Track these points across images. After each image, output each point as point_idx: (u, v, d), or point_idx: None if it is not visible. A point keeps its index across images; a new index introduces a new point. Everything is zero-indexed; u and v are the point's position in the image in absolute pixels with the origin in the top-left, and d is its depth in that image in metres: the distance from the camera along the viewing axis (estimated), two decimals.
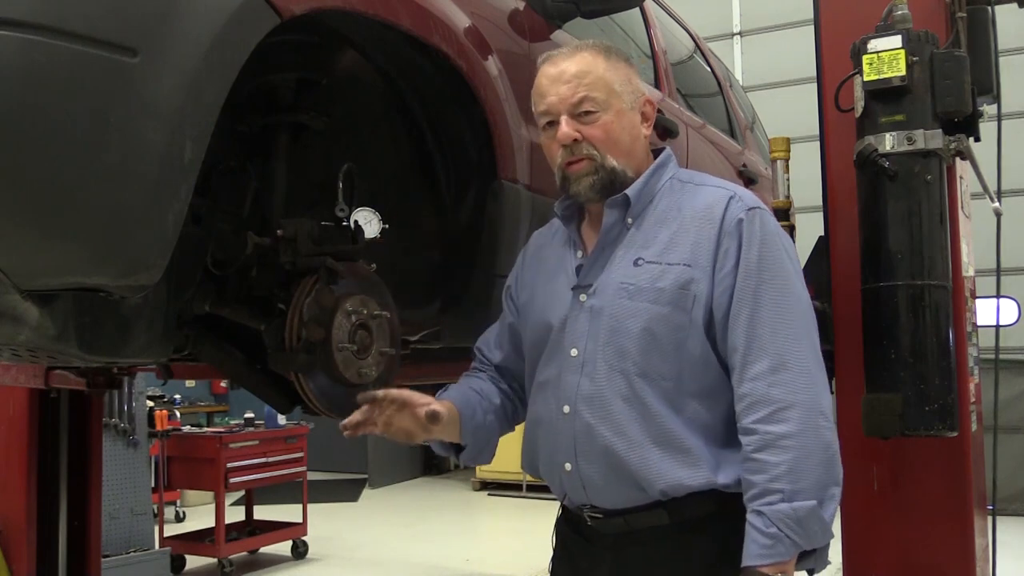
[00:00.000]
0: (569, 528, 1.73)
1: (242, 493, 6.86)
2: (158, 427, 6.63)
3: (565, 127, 1.60)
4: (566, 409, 1.60)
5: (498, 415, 1.78)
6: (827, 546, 1.53)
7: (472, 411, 1.72)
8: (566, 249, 1.73)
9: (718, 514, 1.55)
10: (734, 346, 1.53)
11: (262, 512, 6.83)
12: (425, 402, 1.59)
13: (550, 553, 1.78)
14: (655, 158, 1.71)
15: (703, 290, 1.55)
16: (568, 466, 1.61)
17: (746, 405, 1.50)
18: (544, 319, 1.69)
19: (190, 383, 10.11)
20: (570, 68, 1.62)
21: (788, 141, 3.24)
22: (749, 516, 1.47)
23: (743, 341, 1.52)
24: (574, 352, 1.61)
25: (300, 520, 6.66)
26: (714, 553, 1.55)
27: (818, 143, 2.83)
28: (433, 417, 1.58)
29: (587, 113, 1.60)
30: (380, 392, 1.56)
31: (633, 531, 1.59)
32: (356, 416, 1.56)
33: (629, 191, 1.62)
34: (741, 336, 1.52)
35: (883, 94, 2.46)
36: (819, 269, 2.87)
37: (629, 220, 1.63)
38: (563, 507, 1.73)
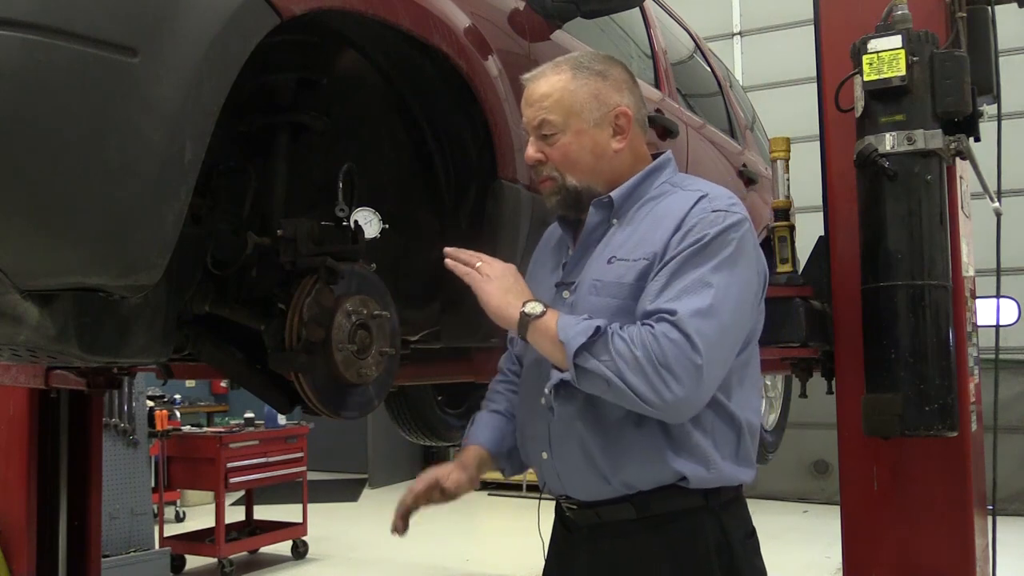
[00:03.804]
0: (557, 519, 1.79)
1: (242, 493, 6.86)
2: (158, 427, 6.62)
3: (529, 149, 1.67)
4: (541, 402, 1.66)
5: None
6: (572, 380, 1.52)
7: (500, 441, 1.81)
8: (561, 247, 1.78)
9: (685, 511, 1.58)
10: (643, 304, 1.51)
11: (262, 512, 6.83)
12: (446, 475, 1.71)
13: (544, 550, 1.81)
14: (654, 160, 1.72)
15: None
16: (545, 455, 1.67)
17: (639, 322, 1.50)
18: None
19: (190, 383, 10.11)
20: (537, 89, 1.67)
21: (788, 141, 3.24)
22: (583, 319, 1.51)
23: (652, 298, 1.50)
24: None
25: (300, 520, 6.66)
26: (682, 550, 1.58)
27: (818, 143, 2.83)
28: (458, 486, 1.71)
29: (548, 135, 1.65)
30: (409, 501, 1.71)
31: (605, 524, 1.63)
32: (399, 522, 1.71)
33: (614, 193, 1.65)
34: (651, 295, 1.50)
35: (883, 94, 2.47)
36: (819, 269, 2.88)
37: (614, 221, 1.66)
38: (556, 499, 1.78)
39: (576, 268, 1.68)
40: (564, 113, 1.64)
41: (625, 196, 1.66)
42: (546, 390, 1.60)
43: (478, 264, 1.59)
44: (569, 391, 1.59)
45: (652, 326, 1.47)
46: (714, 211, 1.56)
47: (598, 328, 1.48)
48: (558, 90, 1.64)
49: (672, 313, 1.46)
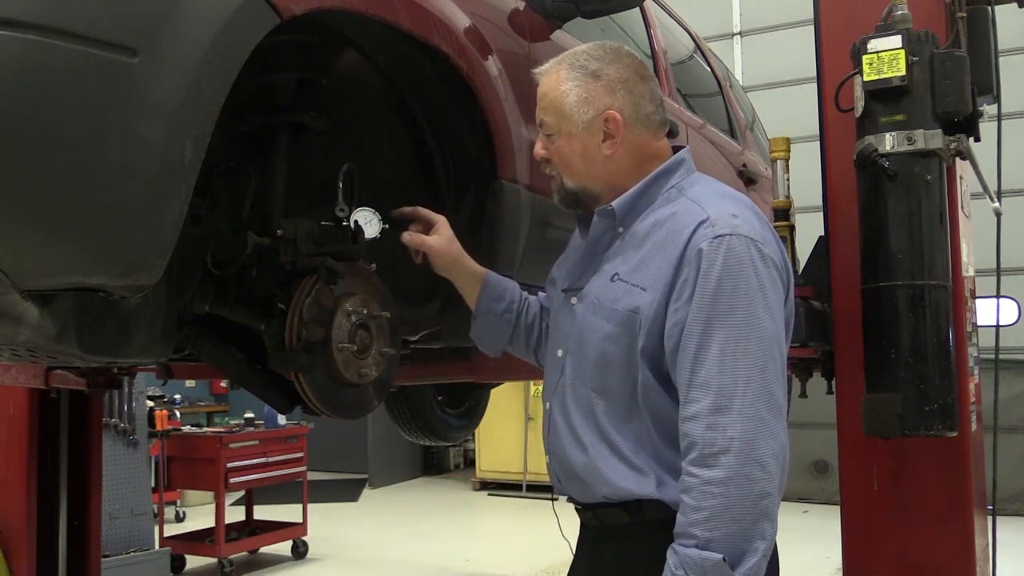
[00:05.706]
0: None
1: (242, 493, 6.86)
2: (158, 427, 6.63)
3: (536, 145, 1.69)
4: (547, 405, 1.70)
5: (519, 322, 1.88)
6: None
7: (499, 294, 1.85)
8: (577, 248, 1.78)
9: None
10: (681, 382, 1.46)
11: (262, 512, 6.83)
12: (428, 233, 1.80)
13: (550, 553, 1.81)
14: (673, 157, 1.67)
15: (649, 315, 1.51)
16: (547, 457, 1.71)
17: (684, 445, 1.44)
18: (551, 311, 1.80)
19: (190, 383, 10.11)
20: (539, 88, 1.67)
21: (788, 141, 3.24)
22: (668, 551, 1.44)
23: (688, 377, 1.44)
24: (559, 352, 1.69)
25: (300, 520, 6.66)
26: None
27: (818, 143, 2.83)
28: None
29: (548, 135, 1.66)
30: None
31: (605, 526, 1.63)
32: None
33: (616, 203, 1.61)
34: (687, 372, 1.44)
35: (883, 94, 2.47)
36: (819, 269, 2.88)
37: (620, 229, 1.63)
38: None
39: (583, 276, 1.67)
40: (557, 115, 1.62)
41: (629, 205, 1.61)
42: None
43: None
44: (564, 408, 1.62)
45: (699, 476, 1.39)
46: (716, 237, 1.46)
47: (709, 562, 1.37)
48: (551, 91, 1.63)
49: (724, 401, 1.40)
